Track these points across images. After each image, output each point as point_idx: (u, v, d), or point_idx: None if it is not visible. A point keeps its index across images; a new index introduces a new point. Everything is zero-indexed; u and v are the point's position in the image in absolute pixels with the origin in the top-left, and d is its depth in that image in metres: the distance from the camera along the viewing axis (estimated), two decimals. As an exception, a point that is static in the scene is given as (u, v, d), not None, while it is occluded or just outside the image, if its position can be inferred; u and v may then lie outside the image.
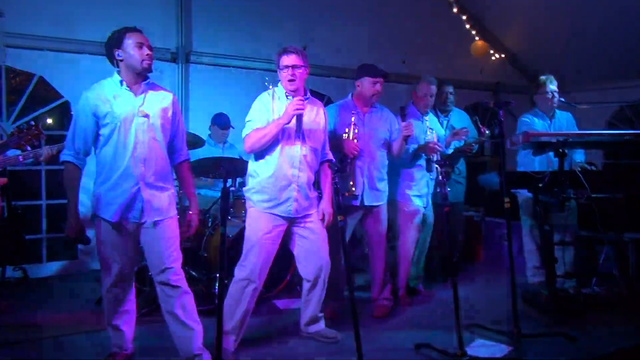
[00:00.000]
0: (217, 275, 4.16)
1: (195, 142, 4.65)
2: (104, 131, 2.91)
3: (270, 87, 3.46)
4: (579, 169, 4.04)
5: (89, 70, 5.08)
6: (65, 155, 2.95)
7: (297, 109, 3.21)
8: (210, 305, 4.04)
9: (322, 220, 3.49)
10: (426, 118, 4.38)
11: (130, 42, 2.92)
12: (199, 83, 5.74)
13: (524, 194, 4.51)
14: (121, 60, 2.96)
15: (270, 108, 3.36)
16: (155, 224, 2.99)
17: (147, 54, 2.95)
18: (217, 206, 4.70)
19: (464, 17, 6.94)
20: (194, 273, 4.38)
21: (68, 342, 3.54)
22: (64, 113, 5.40)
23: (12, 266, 4.76)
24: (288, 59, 3.32)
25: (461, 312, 3.19)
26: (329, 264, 3.53)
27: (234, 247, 4.02)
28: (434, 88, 4.35)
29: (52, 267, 5.17)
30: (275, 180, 3.33)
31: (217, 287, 4.12)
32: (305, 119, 3.36)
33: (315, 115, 3.49)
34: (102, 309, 4.03)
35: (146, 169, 2.95)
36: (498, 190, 3.67)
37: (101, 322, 3.75)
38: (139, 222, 2.98)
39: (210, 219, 4.68)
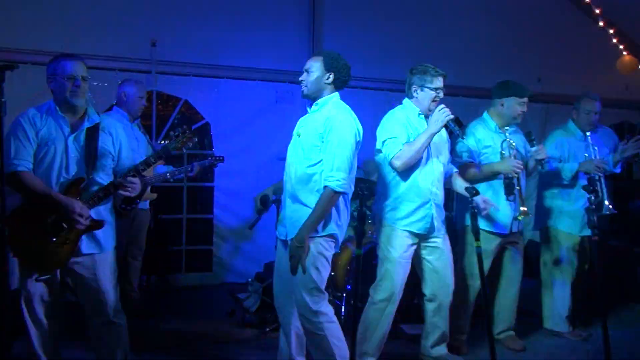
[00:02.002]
0: (344, 294, 4.19)
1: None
2: None
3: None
4: None
5: (227, 94, 5.44)
6: None
7: (448, 115, 3.15)
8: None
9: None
10: (586, 135, 4.12)
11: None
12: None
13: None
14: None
15: (406, 123, 3.32)
16: None
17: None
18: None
19: (611, 31, 6.44)
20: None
21: (203, 350, 3.72)
22: (204, 134, 5.79)
23: (156, 275, 5.13)
24: (440, 82, 3.30)
25: (612, 354, 2.89)
26: (453, 285, 3.43)
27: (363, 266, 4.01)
28: (597, 104, 4.08)
29: (190, 278, 5.51)
30: (414, 197, 3.29)
31: (343, 306, 4.15)
32: (435, 137, 3.30)
33: (442, 133, 3.43)
34: (235, 320, 4.27)
35: None
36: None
37: (235, 334, 3.96)
38: None
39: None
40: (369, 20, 5.96)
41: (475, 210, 2.92)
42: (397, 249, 3.29)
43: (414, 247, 3.34)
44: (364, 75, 5.87)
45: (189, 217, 5.58)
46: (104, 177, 2.77)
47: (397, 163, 3.21)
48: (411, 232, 3.30)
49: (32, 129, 2.65)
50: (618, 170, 4.19)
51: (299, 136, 3.06)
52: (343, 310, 4.16)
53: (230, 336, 3.99)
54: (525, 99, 3.70)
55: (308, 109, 3.13)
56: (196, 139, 2.93)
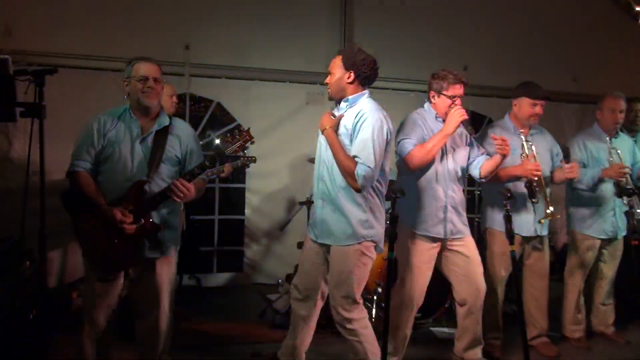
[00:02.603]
0: (374, 297, 4.17)
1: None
2: None
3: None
4: None
5: (258, 95, 5.49)
6: None
7: (463, 115, 3.14)
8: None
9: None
10: (608, 138, 3.93)
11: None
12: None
13: None
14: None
15: (422, 126, 3.32)
16: None
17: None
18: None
19: (651, 28, 6.25)
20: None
21: (234, 350, 3.76)
22: (236, 135, 5.83)
23: (187, 275, 5.21)
24: (461, 89, 3.27)
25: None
26: (484, 288, 3.37)
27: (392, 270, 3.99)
28: (622, 102, 3.93)
29: (221, 278, 5.57)
30: (430, 200, 3.27)
31: (374, 309, 4.13)
32: (452, 139, 3.31)
33: (460, 136, 3.42)
34: (265, 321, 4.30)
35: None
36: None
37: (266, 335, 3.98)
38: None
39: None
40: (400, 21, 5.93)
41: (510, 214, 2.86)
42: (415, 253, 3.29)
43: (435, 250, 3.32)
44: (395, 76, 5.86)
45: (220, 218, 5.64)
46: (167, 181, 2.75)
47: (412, 163, 3.19)
48: (429, 237, 3.28)
49: (100, 131, 2.72)
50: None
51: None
52: (374, 313, 4.14)
53: (261, 337, 4.01)
54: (540, 101, 3.61)
55: (335, 111, 3.09)
56: (253, 140, 2.86)
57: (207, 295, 5.16)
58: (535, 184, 3.47)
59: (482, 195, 4.03)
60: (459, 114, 3.14)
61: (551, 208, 3.44)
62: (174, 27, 5.13)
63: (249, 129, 2.86)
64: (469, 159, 3.45)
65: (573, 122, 6.39)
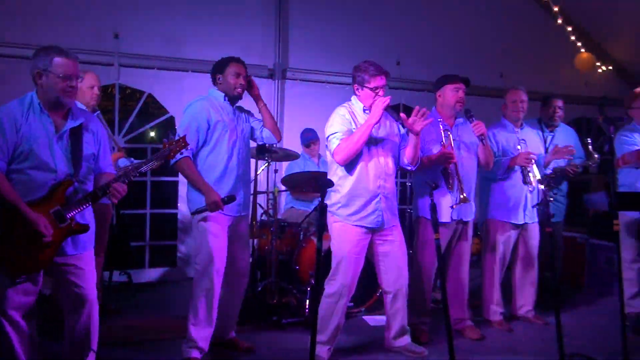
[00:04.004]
0: (309, 288, 4.22)
1: (287, 156, 4.75)
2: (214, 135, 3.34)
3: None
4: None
5: (192, 87, 5.38)
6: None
7: (385, 102, 3.22)
8: (301, 317, 4.11)
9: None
10: (517, 130, 4.19)
11: (230, 71, 3.41)
12: (294, 98, 5.89)
13: (628, 216, 4.18)
14: (220, 84, 3.43)
15: (350, 119, 3.38)
16: None
17: (241, 84, 3.41)
18: (308, 220, 4.77)
19: (570, 29, 6.60)
20: (286, 285, 4.45)
21: (165, 346, 3.70)
22: (168, 127, 5.73)
23: (118, 271, 5.07)
24: (382, 80, 3.36)
25: (564, 340, 2.99)
26: (407, 276, 3.53)
27: (326, 261, 4.05)
28: (522, 93, 4.18)
29: (153, 273, 5.47)
30: (363, 192, 3.35)
31: (308, 300, 4.18)
32: (381, 130, 3.41)
33: (390, 127, 3.51)
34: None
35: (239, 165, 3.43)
36: (605, 211, 3.42)
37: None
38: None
39: (302, 232, 4.76)
40: (335, 15, 6.00)
41: (435, 203, 2.96)
42: (348, 244, 3.36)
43: (366, 241, 3.41)
44: (330, 70, 5.92)
45: (152, 213, 5.52)
46: (91, 179, 2.71)
47: (338, 158, 3.28)
48: (363, 227, 3.36)
49: (12, 125, 2.50)
50: (549, 171, 4.28)
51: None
52: (307, 304, 4.19)
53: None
54: (461, 85, 3.76)
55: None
56: (189, 147, 2.96)
57: (139, 291, 5.05)
58: (450, 171, 3.61)
59: (413, 187, 4.16)
60: (381, 101, 3.22)
61: (465, 194, 3.60)
62: (102, 14, 4.98)
63: (184, 136, 2.89)
64: (399, 148, 3.54)
65: (500, 116, 6.66)
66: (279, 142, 3.75)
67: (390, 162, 3.46)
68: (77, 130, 2.66)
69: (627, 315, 4.15)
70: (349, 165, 3.34)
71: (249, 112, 3.64)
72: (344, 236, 3.38)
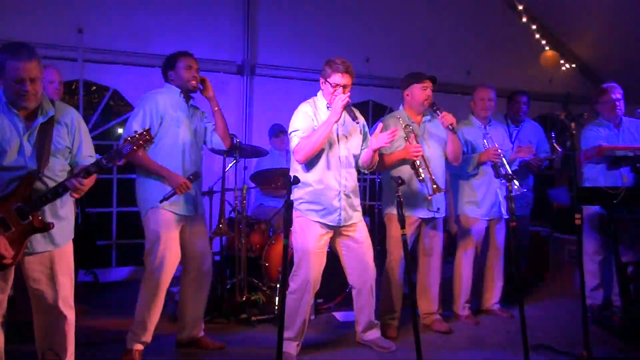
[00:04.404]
0: (278, 285, 4.21)
1: (256, 153, 4.72)
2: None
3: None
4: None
5: (158, 83, 5.29)
6: None
7: (345, 100, 3.21)
8: (271, 314, 4.10)
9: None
10: (485, 127, 4.24)
11: (181, 65, 3.34)
12: (263, 95, 5.85)
13: (590, 210, 4.29)
14: (172, 80, 3.38)
15: (313, 117, 3.38)
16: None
17: (194, 76, 3.35)
18: (278, 216, 4.76)
19: (534, 27, 6.73)
20: (255, 282, 4.43)
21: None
22: (135, 124, 5.62)
23: (84, 270, 4.97)
24: (343, 79, 3.33)
25: (528, 332, 3.06)
26: (375, 270, 3.56)
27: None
28: (491, 92, 4.23)
29: (120, 272, 5.38)
30: (323, 189, 3.37)
31: (277, 297, 4.17)
32: (344, 127, 3.42)
33: (354, 123, 3.49)
34: (166, 313, 4.21)
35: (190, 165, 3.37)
36: (568, 206, 3.51)
37: (167, 327, 3.90)
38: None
39: (271, 229, 4.75)
40: (304, 11, 5.99)
41: (402, 199, 2.99)
42: (310, 239, 3.37)
43: (328, 237, 3.44)
44: (299, 66, 5.91)
45: (119, 211, 5.43)
46: (59, 174, 2.64)
47: (298, 157, 3.30)
48: (323, 224, 3.38)
49: None
50: (515, 167, 4.36)
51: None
52: (277, 300, 4.18)
53: (162, 329, 3.91)
54: (428, 83, 3.80)
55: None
56: (154, 141, 2.89)
57: (106, 291, 4.97)
58: (419, 164, 3.65)
59: (381, 183, 4.19)
60: (340, 99, 3.21)
61: (437, 183, 3.64)
62: (65, 8, 4.87)
63: (149, 129, 2.77)
64: (362, 147, 3.55)
65: (467, 113, 6.76)
66: (227, 149, 3.63)
67: (352, 159, 3.48)
68: (47, 124, 2.60)
69: (589, 307, 4.29)
70: (310, 162, 3.36)
71: (203, 113, 3.59)
72: (305, 231, 3.40)
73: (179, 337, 3.59)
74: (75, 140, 2.71)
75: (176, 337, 3.61)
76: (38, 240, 2.59)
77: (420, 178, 3.70)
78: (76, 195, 2.59)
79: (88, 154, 2.76)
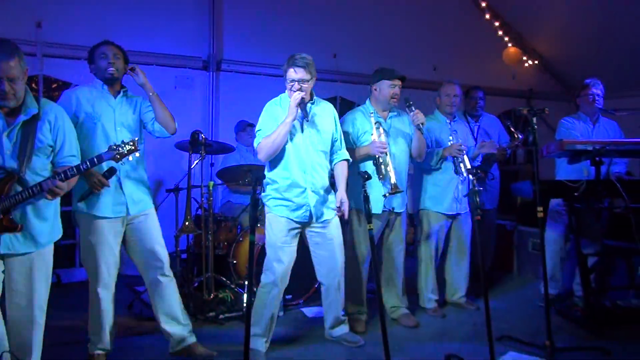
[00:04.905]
0: (246, 282, 4.19)
1: (223, 149, 4.67)
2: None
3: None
4: (615, 178, 3.92)
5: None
6: None
7: (296, 99, 3.22)
8: (239, 312, 4.07)
9: (340, 208, 3.44)
10: (450, 122, 4.28)
11: (97, 55, 3.18)
12: (229, 90, 5.80)
13: (554, 203, 4.39)
14: (95, 73, 3.23)
15: (278, 115, 3.38)
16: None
17: (110, 62, 3.15)
18: (245, 213, 4.73)
19: (497, 24, 6.85)
20: (223, 279, 4.39)
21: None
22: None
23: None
24: (296, 74, 3.31)
25: (493, 323, 3.11)
26: (342, 268, 3.58)
27: (264, 254, 4.02)
28: (456, 88, 4.26)
29: (84, 272, 5.23)
30: (290, 187, 3.37)
31: (246, 294, 4.15)
32: (310, 124, 3.40)
33: (323, 118, 3.50)
34: (133, 313, 4.15)
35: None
36: (532, 199, 3.59)
37: (134, 327, 3.84)
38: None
39: (239, 227, 4.71)
40: (271, 6, 5.95)
41: (368, 195, 3.00)
42: (278, 235, 3.38)
43: (296, 232, 3.44)
44: (266, 62, 5.87)
45: (82, 209, 5.29)
46: (40, 174, 2.58)
47: (260, 156, 3.32)
48: (291, 220, 3.39)
49: None
50: (477, 162, 4.43)
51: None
52: (245, 298, 4.15)
53: (129, 329, 3.86)
54: (397, 82, 3.80)
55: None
56: (139, 150, 2.76)
57: (70, 291, 4.84)
58: (381, 161, 3.66)
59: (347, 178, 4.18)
60: (294, 98, 3.23)
61: (396, 183, 3.63)
62: (23, 1, 4.70)
63: (136, 139, 2.72)
64: (332, 144, 3.55)
65: (434, 108, 6.84)
66: (173, 133, 3.33)
67: (321, 157, 3.46)
68: (30, 122, 2.54)
69: (556, 298, 4.40)
70: (276, 160, 3.36)
71: (146, 102, 3.32)
72: (274, 228, 3.40)
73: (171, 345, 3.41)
74: (59, 138, 2.67)
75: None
76: (20, 241, 2.55)
77: (381, 176, 3.72)
78: (51, 197, 2.54)
79: (70, 154, 2.72)
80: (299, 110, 3.26)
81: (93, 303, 3.19)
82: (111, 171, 2.97)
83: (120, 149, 2.66)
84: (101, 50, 3.18)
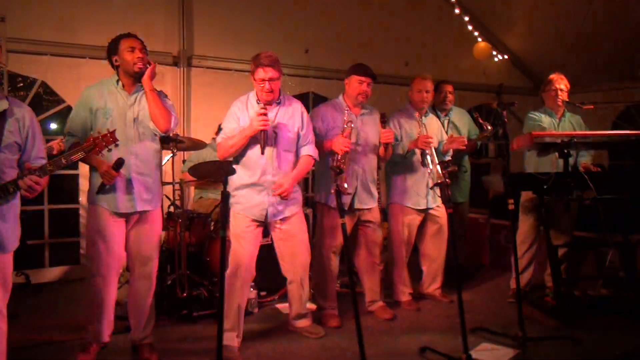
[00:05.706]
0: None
1: (195, 146, 4.61)
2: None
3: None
4: (583, 170, 4.00)
5: (90, 75, 5.08)
6: None
7: (262, 126, 3.24)
8: (213, 309, 4.03)
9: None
10: (417, 116, 4.26)
11: (123, 48, 3.13)
12: (201, 87, 5.73)
13: (525, 196, 4.46)
14: (119, 65, 3.16)
15: (243, 115, 3.41)
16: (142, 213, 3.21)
17: (138, 57, 3.12)
18: (218, 209, 4.68)
19: (467, 19, 6.90)
20: (197, 277, 4.35)
21: (68, 346, 3.49)
22: (66, 118, 5.39)
23: (15, 271, 4.72)
24: (264, 73, 3.30)
25: (466, 316, 3.15)
26: (307, 264, 3.64)
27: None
28: (427, 83, 4.27)
29: (54, 272, 5.15)
30: (246, 185, 3.41)
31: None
32: (275, 124, 3.42)
33: (289, 118, 3.50)
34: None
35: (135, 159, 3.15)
36: (503, 192, 3.63)
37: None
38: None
39: (212, 223, 4.67)
40: (241, 1, 5.89)
41: (339, 189, 3.00)
42: (239, 225, 3.43)
43: (257, 225, 3.47)
44: (238, 58, 5.81)
45: (51, 208, 5.19)
46: (6, 171, 2.51)
47: (218, 155, 3.37)
48: (251, 218, 3.44)
49: None
50: (448, 157, 4.43)
51: None
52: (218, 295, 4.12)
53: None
54: (367, 79, 3.80)
55: None
56: (118, 143, 2.71)
57: (39, 292, 4.74)
58: (340, 158, 3.61)
59: (315, 172, 4.18)
60: (257, 123, 3.23)
61: (346, 184, 3.56)
62: (-15, -4, 4.57)
63: (113, 130, 2.67)
64: (299, 140, 3.55)
65: (406, 103, 6.88)
66: (164, 132, 3.25)
67: (284, 155, 3.46)
68: None
69: (527, 289, 4.47)
70: (238, 159, 3.42)
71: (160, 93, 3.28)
72: (234, 222, 3.45)
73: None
74: (29, 139, 2.63)
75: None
76: None
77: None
78: (29, 195, 2.48)
79: (39, 156, 2.68)
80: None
81: (91, 294, 3.20)
82: (119, 162, 2.98)
83: (99, 140, 2.61)
84: (127, 43, 3.14)
